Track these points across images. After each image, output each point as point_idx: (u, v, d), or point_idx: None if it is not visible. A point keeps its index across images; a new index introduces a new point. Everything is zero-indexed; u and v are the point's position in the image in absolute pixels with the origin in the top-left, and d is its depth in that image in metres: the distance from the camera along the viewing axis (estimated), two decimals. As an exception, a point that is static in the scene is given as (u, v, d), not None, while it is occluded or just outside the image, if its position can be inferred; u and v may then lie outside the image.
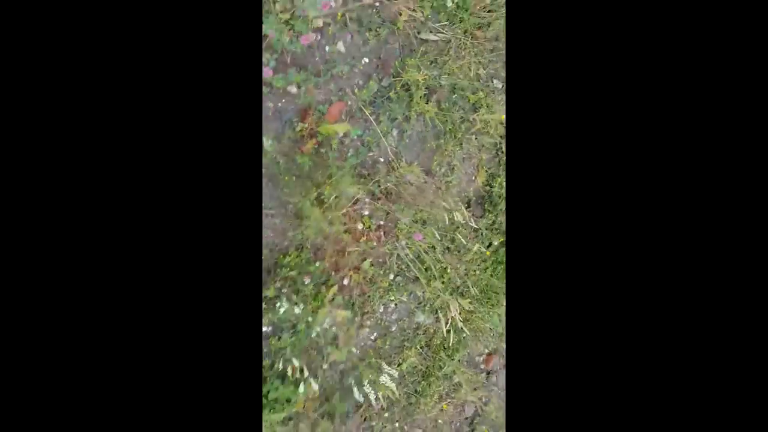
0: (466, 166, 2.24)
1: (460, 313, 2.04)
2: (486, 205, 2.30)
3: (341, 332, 1.83)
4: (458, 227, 2.23)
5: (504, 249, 2.37)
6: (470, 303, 2.31)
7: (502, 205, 2.29)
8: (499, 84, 2.27)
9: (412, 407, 2.24)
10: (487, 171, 2.28)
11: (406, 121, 1.97)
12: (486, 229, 2.31)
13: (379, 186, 1.81)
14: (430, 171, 2.10)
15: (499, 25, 2.20)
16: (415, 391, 2.24)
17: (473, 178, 2.28)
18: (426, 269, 2.15)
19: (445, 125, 2.07)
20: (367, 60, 1.79)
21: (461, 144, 2.17)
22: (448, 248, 2.23)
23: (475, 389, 2.63)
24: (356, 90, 1.75)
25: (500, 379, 2.78)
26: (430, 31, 1.98)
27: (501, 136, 2.26)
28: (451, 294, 2.25)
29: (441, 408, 2.38)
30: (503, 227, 2.34)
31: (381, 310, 2.02)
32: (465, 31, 2.09)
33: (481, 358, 2.66)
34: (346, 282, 1.81)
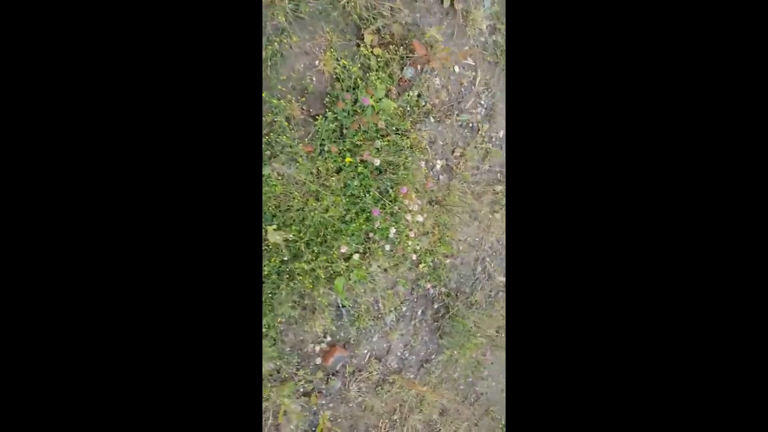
0: (307, 42, 1.56)
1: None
2: (327, 102, 1.60)
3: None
4: (279, 118, 1.50)
5: (359, 181, 1.65)
6: (291, 240, 1.53)
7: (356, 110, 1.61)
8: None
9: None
10: (337, 58, 1.61)
11: None
12: (326, 139, 1.60)
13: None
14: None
15: None
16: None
17: (316, 62, 1.60)
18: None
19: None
20: None
21: None
22: (268, 154, 1.47)
23: (298, 392, 1.76)
24: None
25: (350, 389, 1.91)
26: None
27: (360, 18, 1.63)
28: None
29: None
30: (357, 140, 1.64)
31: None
32: None
33: (317, 348, 1.81)
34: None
